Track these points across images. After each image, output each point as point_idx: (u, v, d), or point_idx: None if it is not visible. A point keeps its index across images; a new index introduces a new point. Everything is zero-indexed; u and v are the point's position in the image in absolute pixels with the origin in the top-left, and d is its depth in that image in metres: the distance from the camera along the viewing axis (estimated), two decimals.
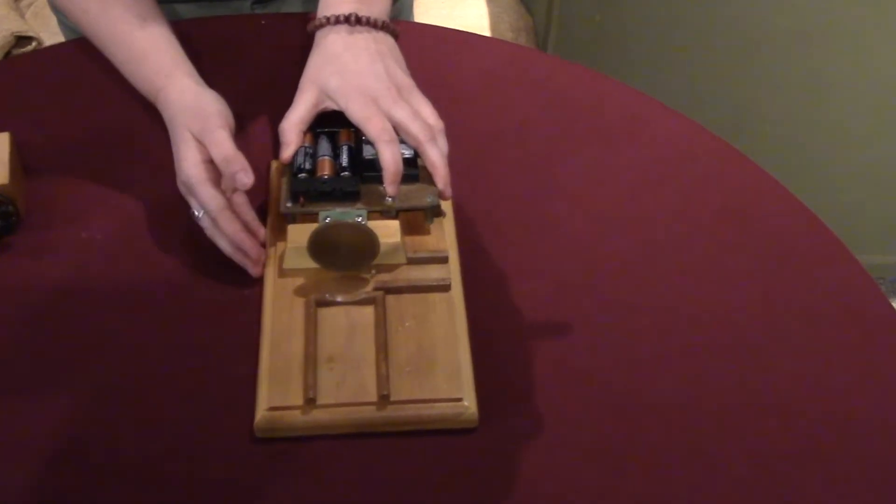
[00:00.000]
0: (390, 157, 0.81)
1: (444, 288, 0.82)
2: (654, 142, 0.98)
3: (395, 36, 0.91)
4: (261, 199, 0.90)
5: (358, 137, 0.88)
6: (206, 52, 0.96)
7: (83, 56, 1.02)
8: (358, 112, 0.84)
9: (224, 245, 0.83)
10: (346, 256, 0.81)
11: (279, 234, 0.85)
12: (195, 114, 0.85)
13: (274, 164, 0.92)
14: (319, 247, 0.80)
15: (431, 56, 1.05)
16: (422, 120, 0.85)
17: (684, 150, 0.98)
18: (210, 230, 0.84)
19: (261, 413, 0.74)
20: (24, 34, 1.55)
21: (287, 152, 0.85)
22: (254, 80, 1.02)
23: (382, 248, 0.81)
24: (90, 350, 0.79)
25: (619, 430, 0.75)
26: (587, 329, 0.82)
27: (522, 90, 1.03)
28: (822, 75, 1.56)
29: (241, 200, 0.85)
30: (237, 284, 0.84)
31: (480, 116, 1.00)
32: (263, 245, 0.84)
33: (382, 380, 0.75)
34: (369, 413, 0.74)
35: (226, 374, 0.78)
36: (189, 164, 0.83)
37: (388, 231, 0.82)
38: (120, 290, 0.84)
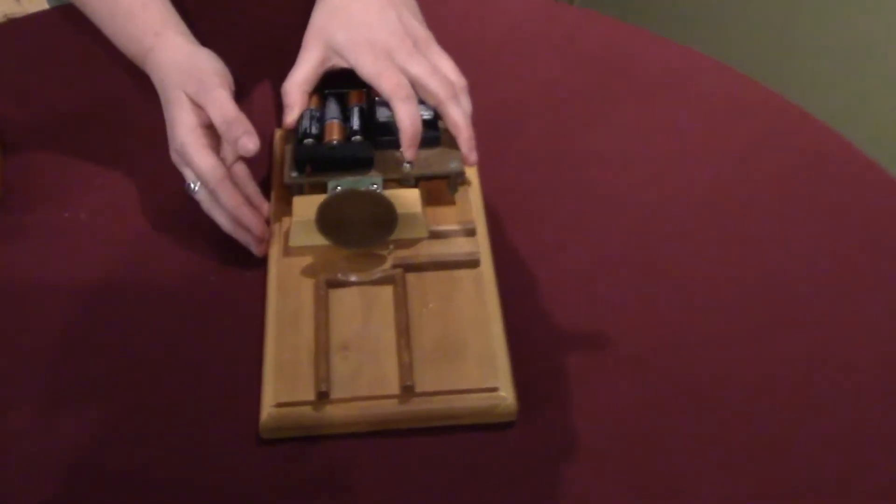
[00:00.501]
0: (407, 116, 0.72)
1: (473, 263, 0.72)
2: (701, 98, 0.88)
3: None
4: (262, 173, 0.80)
5: (370, 98, 0.79)
6: (201, 15, 0.87)
7: (65, 24, 0.93)
8: (369, 67, 0.74)
9: (223, 221, 0.74)
10: (359, 230, 0.71)
11: (284, 208, 0.75)
12: (190, 73, 0.76)
13: (277, 134, 0.83)
14: (329, 220, 0.70)
15: (449, 12, 0.95)
16: (441, 75, 0.75)
17: (737, 106, 0.87)
18: (207, 204, 0.74)
19: (267, 410, 0.64)
20: (15, 17, 1.46)
21: (291, 116, 0.75)
22: (254, 44, 0.92)
23: (401, 220, 0.71)
24: (75, 342, 0.70)
25: (680, 422, 0.65)
26: (634, 307, 0.72)
27: (550, 47, 0.93)
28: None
29: (242, 172, 0.76)
30: (238, 266, 0.74)
31: (505, 77, 0.90)
32: (267, 222, 0.75)
33: (405, 369, 0.65)
34: (391, 407, 0.64)
35: (226, 368, 0.68)
36: (184, 129, 0.74)
37: (406, 200, 0.73)
38: (107, 275, 0.74)
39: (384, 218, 0.71)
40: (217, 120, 0.73)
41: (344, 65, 0.76)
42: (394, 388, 0.65)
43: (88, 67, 0.90)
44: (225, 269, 0.74)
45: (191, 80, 0.75)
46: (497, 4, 0.98)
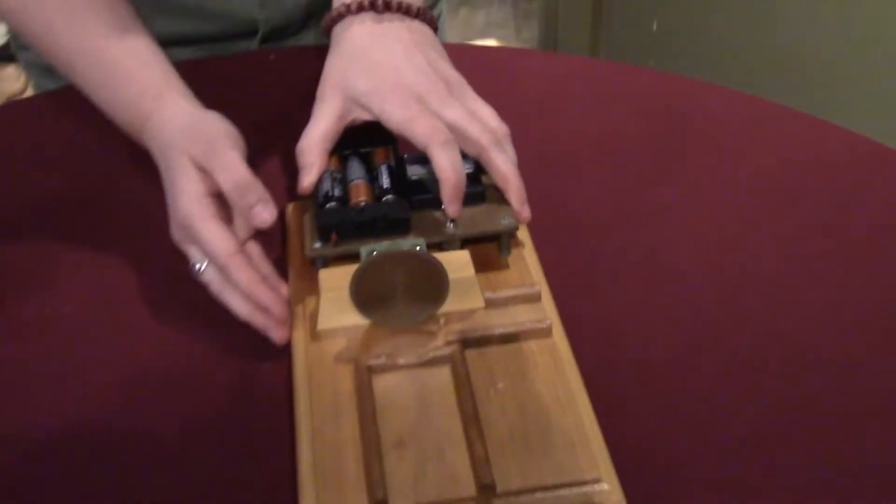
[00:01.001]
0: (448, 163, 0.60)
1: (544, 332, 0.59)
2: (773, 144, 0.78)
3: (434, 27, 0.71)
4: (275, 254, 0.68)
5: (399, 156, 0.67)
6: (208, 93, 0.75)
7: (52, 111, 0.82)
8: (398, 114, 0.63)
9: (237, 303, 0.61)
10: (403, 303, 0.58)
11: (306, 287, 0.63)
12: (195, 135, 0.64)
13: (290, 208, 0.71)
14: (366, 292, 0.58)
15: (483, 70, 0.85)
16: (481, 121, 0.64)
17: (822, 154, 0.77)
18: (217, 285, 0.62)
19: None
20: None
21: (309, 177, 0.63)
22: (263, 121, 0.80)
23: (452, 287, 0.59)
24: (67, 471, 0.56)
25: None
26: (731, 374, 0.59)
27: (598, 101, 0.83)
28: None
29: (255, 252, 0.64)
30: (256, 359, 0.61)
31: (551, 132, 0.80)
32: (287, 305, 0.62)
33: (480, 464, 0.51)
34: None
35: (250, 480, 0.54)
36: (188, 198, 0.62)
37: (456, 264, 0.60)
38: (95, 381, 0.60)
39: (433, 285, 0.58)
40: (227, 185, 0.61)
41: (367, 117, 0.65)
42: (469, 488, 0.51)
43: (71, 153, 0.79)
44: (239, 363, 0.61)
45: (196, 143, 0.64)
46: (534, 64, 0.88)
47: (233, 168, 0.62)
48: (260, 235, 0.64)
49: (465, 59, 0.72)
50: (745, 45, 1.45)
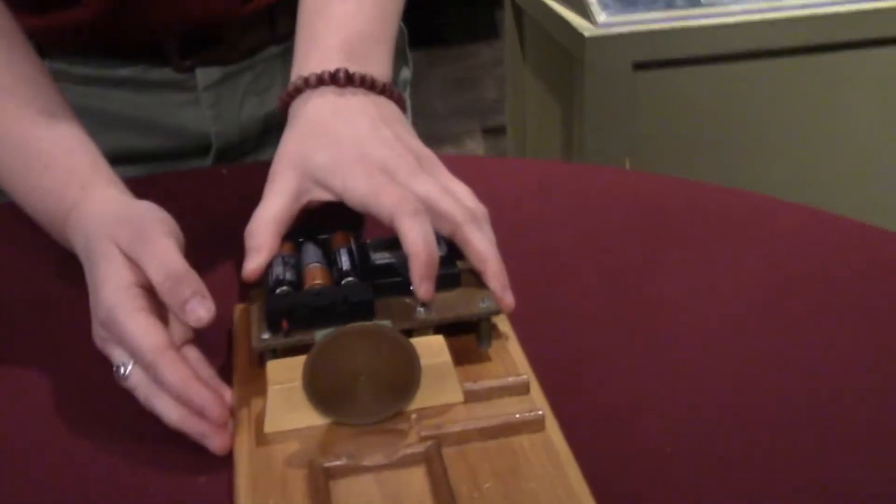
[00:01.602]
0: (418, 235, 0.52)
1: (536, 425, 0.49)
2: (769, 236, 0.71)
3: (402, 106, 0.64)
4: (219, 362, 0.58)
5: (361, 241, 0.59)
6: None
7: None
8: (362, 185, 0.55)
9: (166, 408, 0.51)
10: (366, 394, 0.49)
11: (251, 392, 0.53)
12: (124, 222, 0.56)
13: (237, 310, 0.62)
14: (323, 381, 0.48)
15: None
16: (455, 197, 0.57)
17: (823, 241, 0.70)
18: (144, 390, 0.52)
19: None
20: None
21: (256, 261, 0.55)
22: (212, 235, 0.72)
23: (425, 377, 0.49)
24: None
25: None
26: (749, 461, 0.49)
27: (582, 200, 0.77)
28: None
29: (193, 355, 0.54)
30: (190, 472, 0.50)
31: (533, 229, 0.72)
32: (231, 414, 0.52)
33: None
34: None
35: None
36: (111, 287, 0.53)
37: (429, 349, 0.51)
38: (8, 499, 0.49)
39: (401, 371, 0.49)
40: (157, 277, 0.53)
41: (326, 196, 0.58)
42: None
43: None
44: (169, 480, 0.50)
45: (124, 229, 0.55)
46: (511, 168, 0.82)
47: (165, 257, 0.53)
48: (202, 343, 0.55)
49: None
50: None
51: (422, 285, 0.52)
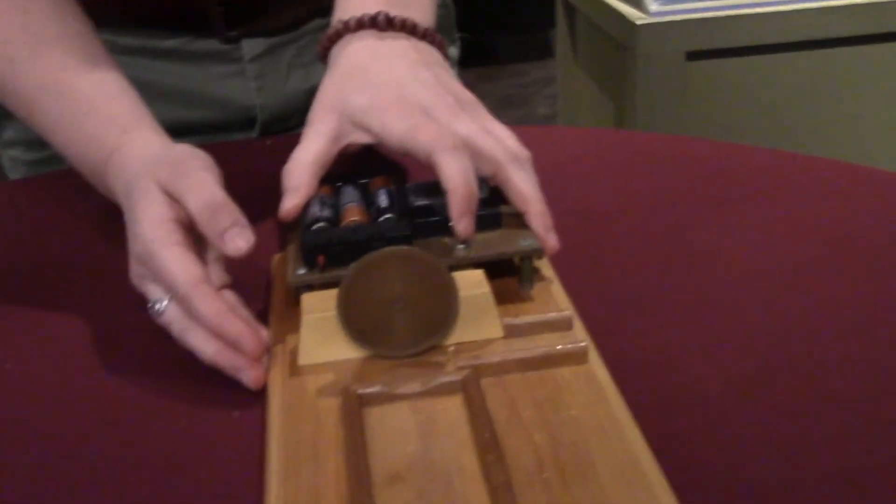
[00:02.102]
0: (457, 171, 0.51)
1: (579, 357, 0.47)
2: (820, 194, 0.68)
3: (444, 52, 0.63)
4: (258, 307, 0.57)
5: (400, 183, 0.58)
6: None
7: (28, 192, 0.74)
8: (400, 125, 0.54)
9: (201, 342, 0.50)
10: (402, 324, 0.47)
11: (288, 329, 0.52)
12: (164, 161, 0.56)
13: (275, 259, 0.61)
14: (358, 309, 0.47)
15: None
16: (496, 138, 0.55)
17: (869, 200, 0.67)
18: (179, 325, 0.51)
19: None
20: None
21: (293, 200, 0.54)
22: (255, 202, 0.71)
23: (464, 310, 0.48)
24: None
25: None
26: (799, 405, 0.47)
27: (625, 162, 0.74)
28: None
29: (231, 299, 0.53)
30: (224, 407, 0.49)
31: (579, 188, 0.70)
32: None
33: (501, 490, 0.38)
34: None
35: None
36: (149, 223, 0.52)
37: (468, 281, 0.50)
38: (43, 437, 0.49)
39: (439, 299, 0.47)
40: (196, 206, 0.52)
41: (365, 139, 0.57)
42: None
43: (28, 232, 0.70)
44: (203, 412, 0.49)
45: (163, 166, 0.55)
46: (561, 136, 0.80)
47: (203, 188, 0.53)
48: (239, 290, 0.54)
49: None
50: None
51: (461, 221, 0.51)
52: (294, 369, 0.48)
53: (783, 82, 1.38)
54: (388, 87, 0.57)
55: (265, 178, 0.75)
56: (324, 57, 0.62)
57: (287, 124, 0.89)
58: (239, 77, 0.85)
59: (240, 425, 0.48)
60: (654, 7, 1.32)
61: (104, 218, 0.67)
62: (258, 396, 0.49)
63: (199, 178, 0.53)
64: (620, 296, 0.57)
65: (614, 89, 1.46)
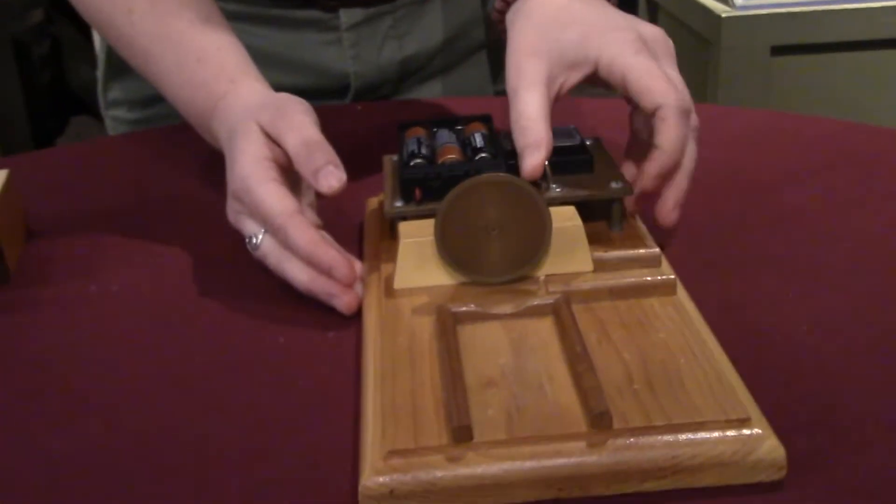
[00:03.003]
0: (678, 137, 0.52)
1: (667, 288, 0.49)
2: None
3: None
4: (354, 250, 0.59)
5: (494, 131, 0.60)
6: None
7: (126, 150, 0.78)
8: (629, 52, 0.53)
9: (296, 272, 0.53)
10: (496, 250, 0.49)
11: (382, 260, 0.54)
12: (267, 105, 0.59)
13: (370, 205, 0.63)
14: (455, 233, 0.49)
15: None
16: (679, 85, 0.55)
17: None
18: (275, 256, 0.54)
19: (371, 465, 0.39)
20: None
21: (536, 156, 0.52)
22: (346, 168, 0.74)
23: (555, 242, 0.49)
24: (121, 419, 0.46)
25: None
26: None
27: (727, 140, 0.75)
28: None
29: (324, 234, 0.56)
30: (320, 329, 0.52)
31: None
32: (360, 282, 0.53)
33: (592, 394, 0.40)
34: (576, 453, 0.38)
35: (306, 445, 0.44)
36: (248, 159, 0.55)
37: (561, 215, 0.51)
38: (143, 352, 0.52)
39: (533, 226, 0.49)
40: (294, 145, 0.54)
41: (576, 78, 0.56)
42: (577, 423, 0.40)
43: (135, 178, 0.73)
44: (300, 334, 0.52)
45: (266, 110, 0.58)
46: None
47: (301, 128, 0.55)
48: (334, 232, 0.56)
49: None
50: None
51: (655, 181, 0.52)
52: (390, 292, 0.50)
53: (867, 80, 1.37)
54: (597, 19, 0.57)
55: (356, 141, 0.78)
56: (500, 20, 0.63)
57: (379, 92, 0.91)
58: (336, 45, 0.88)
59: (336, 343, 0.50)
60: (739, 1, 1.32)
61: (204, 167, 0.70)
62: (353, 320, 0.51)
63: (298, 119, 0.56)
64: (708, 247, 0.58)
65: (698, 85, 1.46)
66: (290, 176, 0.56)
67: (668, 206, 0.54)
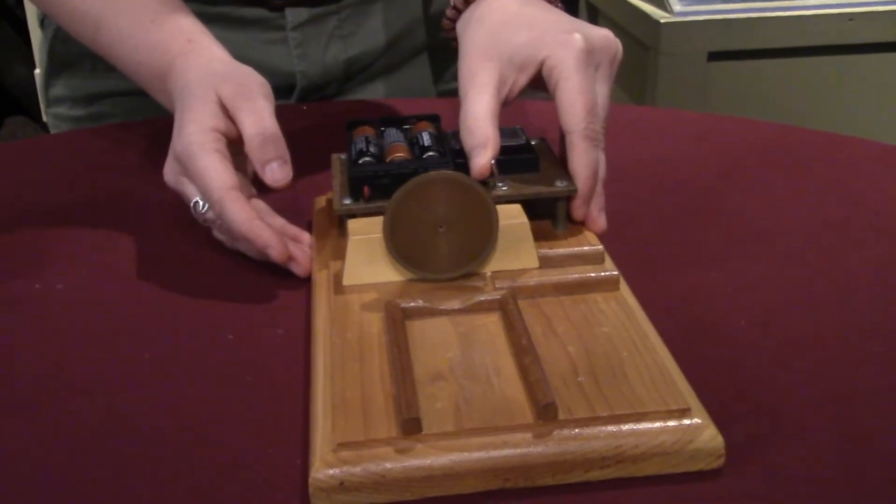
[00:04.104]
0: (589, 165, 0.55)
1: (610, 284, 0.50)
2: (850, 167, 0.70)
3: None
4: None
5: (441, 131, 0.61)
6: None
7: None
8: (570, 64, 0.55)
9: (243, 245, 0.54)
10: (444, 247, 0.50)
11: (331, 257, 0.55)
12: (231, 77, 0.59)
13: (318, 203, 0.63)
14: (403, 231, 0.50)
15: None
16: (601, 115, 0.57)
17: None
18: (216, 222, 0.55)
19: (321, 458, 0.39)
20: None
21: (484, 155, 0.53)
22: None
23: (501, 239, 0.50)
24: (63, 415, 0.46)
25: None
26: (840, 332, 0.49)
27: (645, 134, 0.77)
28: None
29: (261, 205, 0.58)
30: (268, 326, 0.52)
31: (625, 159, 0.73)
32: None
33: (538, 386, 0.41)
34: (522, 444, 0.39)
35: (257, 439, 0.44)
36: (196, 127, 0.56)
37: (507, 212, 0.52)
38: (89, 350, 0.51)
39: (480, 223, 0.50)
40: (251, 131, 0.55)
41: (524, 81, 0.57)
42: (523, 415, 0.40)
43: (95, 173, 0.73)
44: (248, 328, 0.52)
45: (230, 83, 0.58)
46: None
47: (262, 115, 0.56)
48: None
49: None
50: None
51: (581, 209, 0.54)
52: (339, 289, 0.51)
53: (803, 86, 1.41)
54: (547, 24, 0.58)
55: (303, 140, 0.78)
56: (450, 27, 0.64)
57: (324, 92, 0.92)
58: (281, 44, 0.88)
59: (285, 339, 0.51)
60: (677, 7, 1.35)
61: (148, 165, 0.70)
62: (302, 316, 0.52)
63: (259, 104, 0.57)
64: (649, 245, 0.60)
65: (637, 89, 1.49)
66: (235, 147, 0.57)
67: (594, 215, 0.56)
